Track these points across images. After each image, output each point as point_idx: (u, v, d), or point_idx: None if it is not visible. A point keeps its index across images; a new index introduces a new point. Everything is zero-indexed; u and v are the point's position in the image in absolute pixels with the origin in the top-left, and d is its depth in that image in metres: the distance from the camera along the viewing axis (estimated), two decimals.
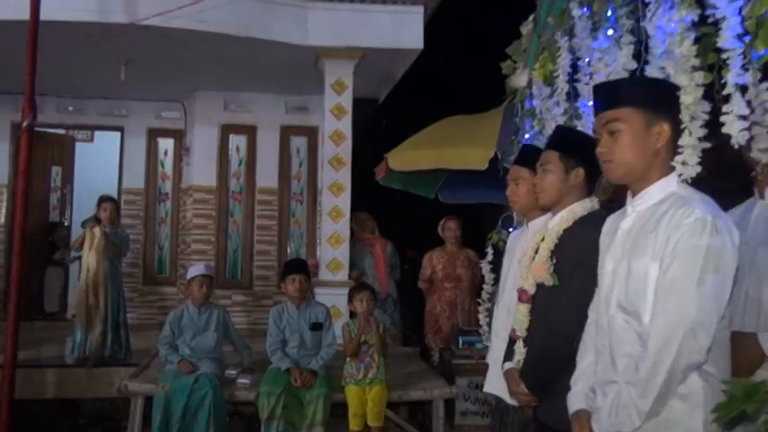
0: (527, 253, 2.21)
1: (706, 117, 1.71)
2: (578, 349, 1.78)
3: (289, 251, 6.84)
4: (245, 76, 6.04)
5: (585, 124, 2.52)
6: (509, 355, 2.18)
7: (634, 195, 1.60)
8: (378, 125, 5.67)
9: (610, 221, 1.76)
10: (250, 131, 6.89)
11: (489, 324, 3.74)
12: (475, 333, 4.80)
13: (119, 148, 7.15)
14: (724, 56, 1.54)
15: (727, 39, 1.52)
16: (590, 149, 2.08)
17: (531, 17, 3.06)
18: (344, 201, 5.20)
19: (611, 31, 2.20)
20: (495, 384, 2.47)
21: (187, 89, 6.62)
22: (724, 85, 1.58)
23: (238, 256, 6.88)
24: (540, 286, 2.04)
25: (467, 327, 4.89)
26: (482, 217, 6.60)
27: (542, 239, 2.14)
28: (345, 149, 5.23)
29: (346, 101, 5.26)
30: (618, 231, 1.62)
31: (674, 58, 1.71)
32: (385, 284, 5.43)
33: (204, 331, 3.89)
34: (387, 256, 5.50)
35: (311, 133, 6.91)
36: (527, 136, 3.07)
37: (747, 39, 1.47)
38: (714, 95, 1.68)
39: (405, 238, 5.77)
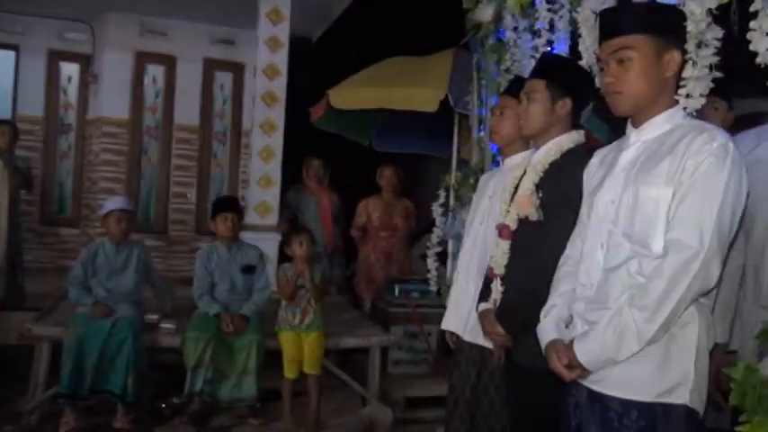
0: (506, 188, 2.08)
1: (717, 44, 1.62)
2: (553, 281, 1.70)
3: (209, 195, 6.41)
4: None
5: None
6: (484, 294, 2.05)
7: (636, 126, 1.51)
8: (309, 66, 5.32)
9: (602, 153, 1.68)
10: (169, 62, 6.29)
11: (438, 269, 3.65)
12: (412, 281, 4.72)
13: (13, 70, 6.31)
14: None
15: None
16: (579, 79, 1.97)
17: None
18: (277, 140, 4.87)
19: None
20: (453, 322, 2.39)
21: (96, 8, 5.90)
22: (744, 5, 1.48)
23: (152, 197, 6.36)
24: (522, 222, 1.91)
25: (395, 278, 4.80)
26: (418, 168, 6.49)
27: (524, 174, 2.01)
28: (280, 85, 4.87)
29: (283, 33, 4.87)
30: (618, 162, 1.53)
31: None
32: (332, 236, 5.20)
33: (122, 271, 3.50)
34: (333, 208, 5.26)
35: (237, 69, 6.42)
36: (493, 72, 2.93)
37: None
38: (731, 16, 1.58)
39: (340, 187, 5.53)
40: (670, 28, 1.47)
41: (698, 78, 1.60)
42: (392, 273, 4.85)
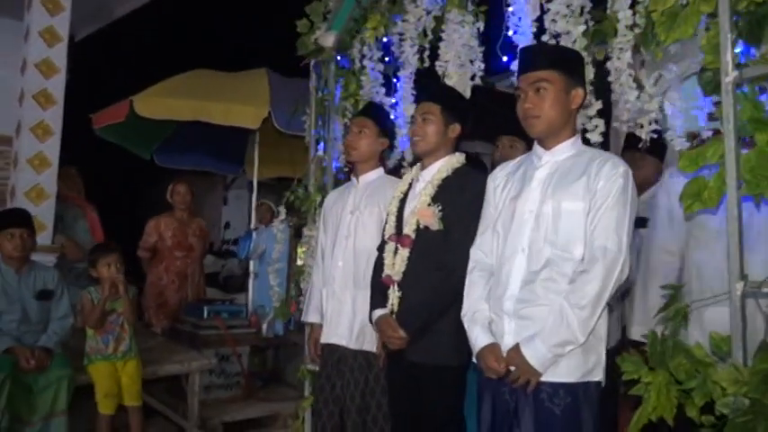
0: (392, 203, 2.27)
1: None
2: (466, 289, 1.91)
3: None
4: None
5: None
6: (377, 301, 2.18)
7: (547, 148, 1.82)
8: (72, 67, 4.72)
9: (507, 168, 1.95)
10: None
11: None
12: (218, 302, 4.54)
13: None
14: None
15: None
16: (467, 109, 2.27)
17: None
18: (52, 147, 4.18)
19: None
20: (333, 335, 2.45)
21: None
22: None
23: None
24: (421, 232, 2.11)
25: (195, 300, 4.57)
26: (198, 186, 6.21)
27: (408, 188, 2.23)
28: (57, 84, 4.21)
29: (62, 25, 4.24)
30: (533, 177, 1.81)
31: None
32: None
33: None
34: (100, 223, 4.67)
35: None
36: (338, 94, 3.10)
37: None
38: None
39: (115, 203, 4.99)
40: (575, 69, 1.82)
41: (598, 117, 2.02)
42: (188, 295, 4.60)
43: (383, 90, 2.89)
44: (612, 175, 1.68)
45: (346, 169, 3.16)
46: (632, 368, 1.67)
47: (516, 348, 1.70)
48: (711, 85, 1.62)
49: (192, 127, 4.62)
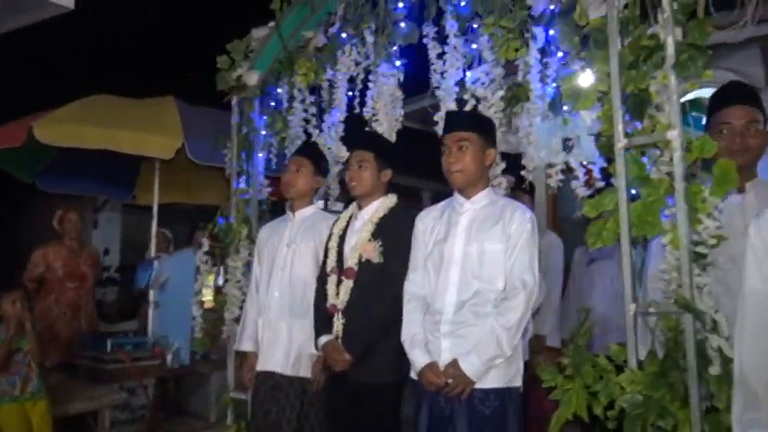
0: (332, 239, 2.48)
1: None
2: (404, 317, 2.20)
3: None
4: None
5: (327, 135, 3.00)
6: (324, 328, 2.37)
7: (468, 198, 2.17)
8: None
9: (433, 212, 2.28)
10: None
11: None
12: (119, 334, 4.39)
13: None
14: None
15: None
16: (396, 155, 2.57)
17: (270, 24, 3.26)
18: None
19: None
20: (271, 362, 2.58)
21: None
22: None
23: None
24: (363, 264, 2.35)
25: (90, 332, 4.39)
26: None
27: (346, 226, 2.47)
28: None
29: None
30: (458, 222, 2.16)
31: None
32: None
33: None
34: None
35: None
36: (263, 132, 3.25)
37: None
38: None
39: None
40: (490, 133, 2.20)
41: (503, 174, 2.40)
42: (81, 327, 4.39)
43: (310, 129, 3.09)
44: (523, 220, 2.08)
45: (270, 201, 3.31)
46: (549, 377, 2.03)
47: (454, 363, 2.02)
48: (606, 148, 2.06)
49: (76, 150, 4.44)
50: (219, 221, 3.28)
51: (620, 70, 1.98)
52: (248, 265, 3.17)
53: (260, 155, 3.27)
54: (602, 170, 2.17)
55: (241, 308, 3.15)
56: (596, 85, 2.04)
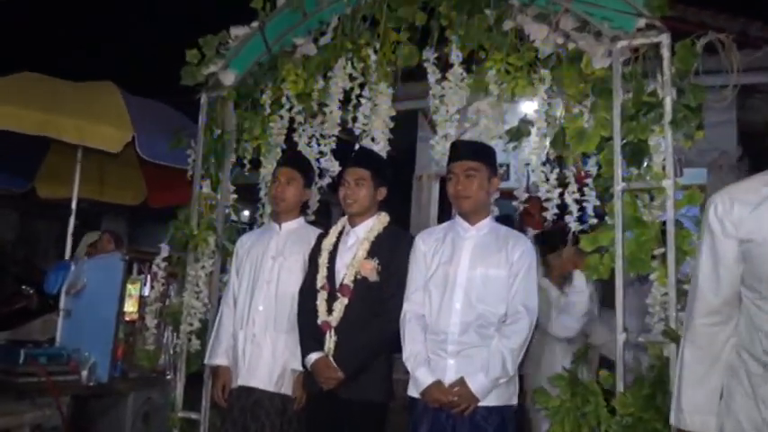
0: (322, 255, 2.45)
1: None
2: (406, 335, 2.24)
3: None
4: None
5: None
6: (313, 346, 2.34)
7: (472, 224, 2.28)
8: None
9: (435, 233, 2.36)
10: None
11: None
12: (31, 344, 3.92)
13: None
14: None
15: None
16: (391, 174, 2.61)
17: (253, 23, 3.15)
18: None
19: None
20: (253, 377, 2.49)
21: None
22: None
23: None
24: (358, 282, 2.35)
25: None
26: None
27: (337, 241, 2.46)
28: None
29: None
30: (463, 247, 2.26)
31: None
32: None
33: None
34: None
35: None
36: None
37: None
38: None
39: None
40: (494, 163, 2.32)
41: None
42: None
43: (295, 138, 3.03)
44: (525, 250, 2.22)
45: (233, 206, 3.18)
46: (543, 399, 2.18)
47: (461, 381, 2.11)
48: (603, 188, 2.26)
49: None
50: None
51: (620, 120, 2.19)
52: (211, 275, 3.04)
53: (230, 160, 3.14)
54: (593, 208, 2.35)
55: (201, 320, 3.02)
56: (599, 130, 2.23)
